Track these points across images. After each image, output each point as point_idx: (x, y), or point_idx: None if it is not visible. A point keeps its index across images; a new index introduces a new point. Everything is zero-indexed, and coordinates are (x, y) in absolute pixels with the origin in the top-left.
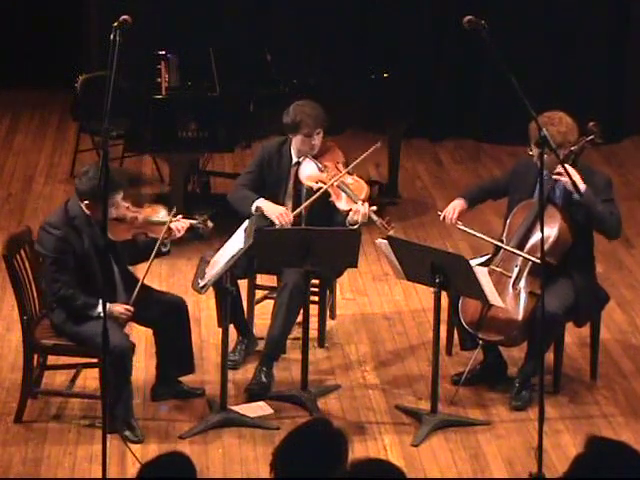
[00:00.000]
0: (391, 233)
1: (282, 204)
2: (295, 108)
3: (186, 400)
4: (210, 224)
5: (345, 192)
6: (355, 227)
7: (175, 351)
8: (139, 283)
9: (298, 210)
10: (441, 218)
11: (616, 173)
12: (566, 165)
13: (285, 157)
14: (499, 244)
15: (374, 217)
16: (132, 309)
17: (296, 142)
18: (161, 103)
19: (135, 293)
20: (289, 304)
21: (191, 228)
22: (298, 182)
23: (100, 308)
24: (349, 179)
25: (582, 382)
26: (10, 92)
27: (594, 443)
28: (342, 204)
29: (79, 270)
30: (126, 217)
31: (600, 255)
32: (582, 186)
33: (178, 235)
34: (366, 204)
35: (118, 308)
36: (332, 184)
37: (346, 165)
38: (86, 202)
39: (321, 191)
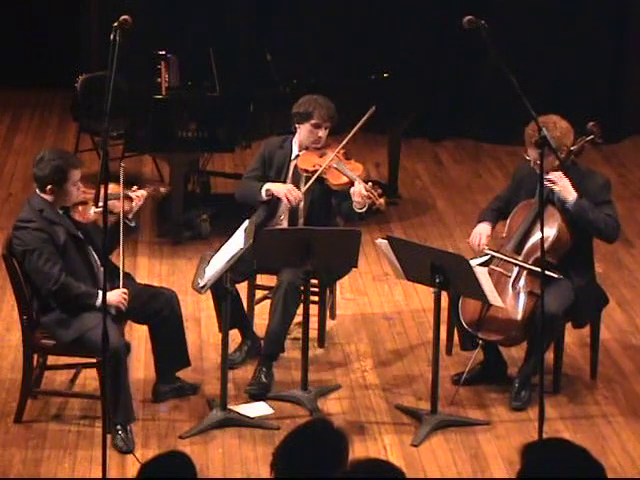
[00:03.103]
0: (381, 202)
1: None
2: (308, 98)
3: (186, 400)
4: (162, 189)
5: (342, 171)
6: (364, 210)
7: (171, 345)
8: (121, 267)
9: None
10: (470, 244)
11: (616, 173)
12: (558, 173)
13: (286, 151)
14: (530, 267)
15: (364, 190)
16: (127, 292)
17: (302, 133)
18: (161, 103)
19: (121, 279)
20: (284, 303)
21: (147, 195)
22: (297, 173)
23: (99, 298)
24: (344, 162)
25: (582, 382)
26: (10, 92)
27: (528, 452)
28: (341, 181)
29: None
30: (86, 198)
31: (600, 255)
32: (572, 196)
33: (139, 204)
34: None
35: (115, 296)
36: (330, 162)
37: (346, 155)
38: (49, 187)
39: (320, 170)
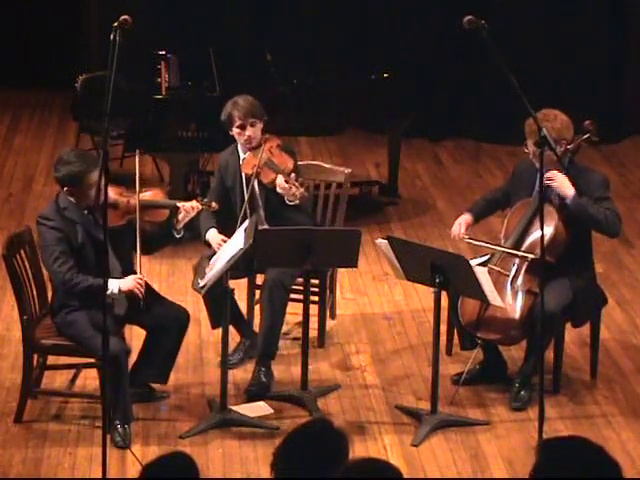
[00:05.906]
0: (301, 191)
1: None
2: (228, 103)
3: (186, 400)
4: (215, 205)
5: (270, 167)
6: (295, 202)
7: (160, 360)
8: (138, 256)
9: (244, 207)
10: (452, 236)
11: (616, 173)
12: (555, 172)
13: (236, 157)
14: (513, 252)
15: (283, 181)
16: (142, 277)
17: (236, 137)
18: (161, 103)
19: (139, 267)
20: (271, 299)
21: (200, 210)
22: (247, 179)
23: (111, 286)
24: (274, 157)
25: (582, 382)
26: (10, 92)
27: (545, 448)
28: (271, 178)
29: (76, 260)
30: (118, 202)
31: (600, 255)
32: (571, 192)
33: (190, 215)
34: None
35: (129, 282)
36: (260, 163)
37: (280, 147)
38: (66, 189)
39: (254, 174)
